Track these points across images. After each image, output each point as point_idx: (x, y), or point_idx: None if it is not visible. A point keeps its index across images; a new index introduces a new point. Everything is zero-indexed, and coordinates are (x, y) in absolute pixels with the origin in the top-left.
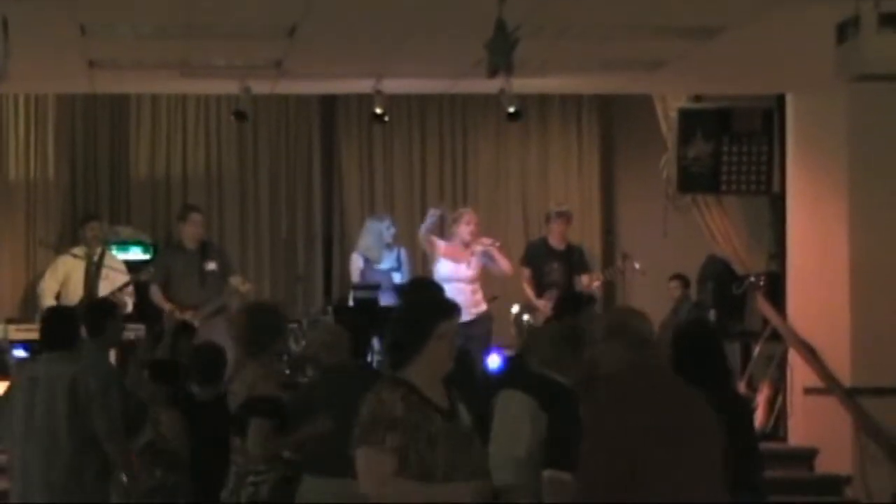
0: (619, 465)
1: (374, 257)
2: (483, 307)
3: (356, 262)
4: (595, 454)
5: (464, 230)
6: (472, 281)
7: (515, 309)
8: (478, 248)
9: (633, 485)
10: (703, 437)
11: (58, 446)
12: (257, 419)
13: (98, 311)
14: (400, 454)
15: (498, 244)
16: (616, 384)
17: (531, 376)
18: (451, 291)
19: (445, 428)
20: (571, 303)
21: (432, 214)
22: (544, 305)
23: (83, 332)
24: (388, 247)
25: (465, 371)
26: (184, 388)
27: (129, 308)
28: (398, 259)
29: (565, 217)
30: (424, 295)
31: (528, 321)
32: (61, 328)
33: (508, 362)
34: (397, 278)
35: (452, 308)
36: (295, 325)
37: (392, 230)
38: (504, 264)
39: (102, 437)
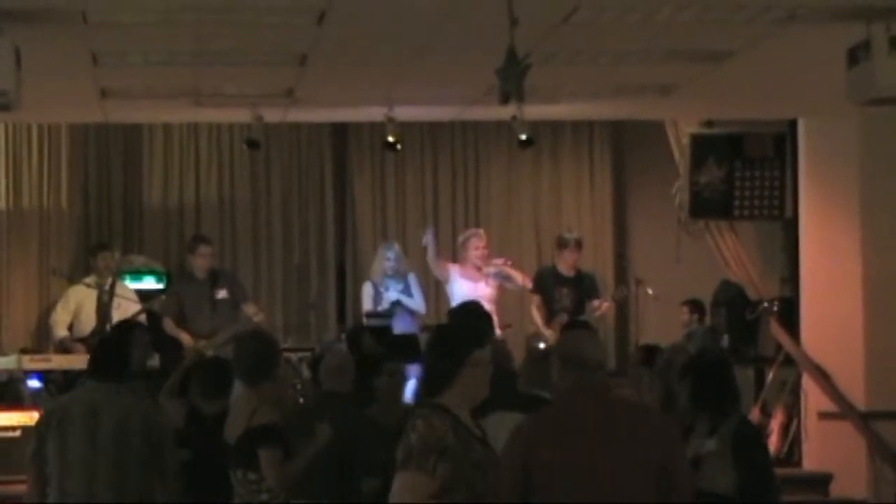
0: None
1: (379, 283)
2: (499, 332)
3: (367, 291)
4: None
5: (473, 255)
6: (492, 300)
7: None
8: (491, 269)
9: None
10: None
11: (128, 481)
12: (268, 449)
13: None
14: (443, 482)
15: (510, 262)
16: (562, 411)
17: (517, 395)
18: None
19: (485, 455)
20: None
21: (427, 235)
22: (552, 335)
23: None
24: (394, 274)
25: None
26: (189, 402)
27: None
28: (406, 285)
29: (573, 246)
30: (460, 322)
31: (542, 348)
32: (113, 358)
33: (494, 385)
34: (411, 304)
35: (486, 336)
36: (308, 353)
37: (393, 257)
38: (520, 279)
39: (166, 477)
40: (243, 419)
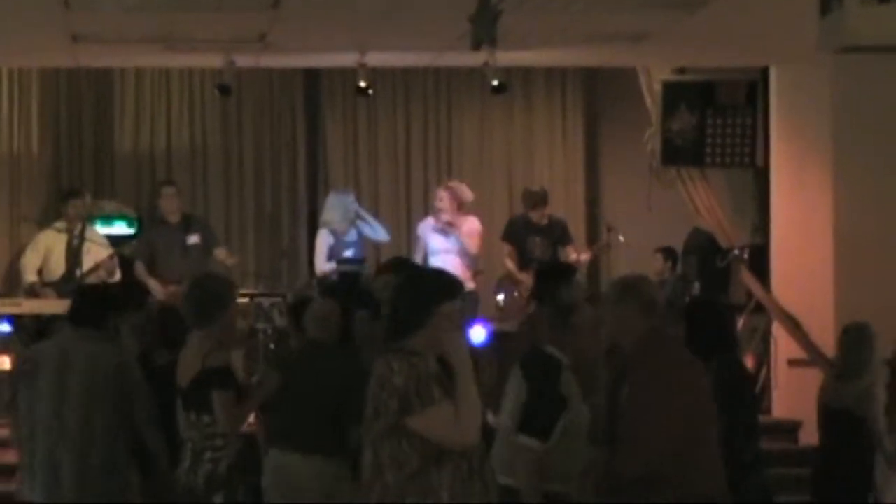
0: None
1: (342, 230)
2: (471, 285)
3: (325, 238)
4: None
5: (437, 208)
6: (461, 253)
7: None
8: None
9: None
10: (710, 409)
11: (92, 430)
12: (220, 392)
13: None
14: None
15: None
16: (641, 357)
17: (528, 350)
18: (441, 264)
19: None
20: (551, 276)
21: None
22: (527, 278)
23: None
24: (353, 221)
25: None
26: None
27: (118, 276)
28: (358, 231)
29: (543, 198)
30: (434, 271)
31: (509, 297)
32: (96, 307)
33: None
34: (375, 235)
35: (458, 288)
36: (279, 300)
37: (355, 204)
38: (471, 245)
39: (142, 426)
40: (197, 362)
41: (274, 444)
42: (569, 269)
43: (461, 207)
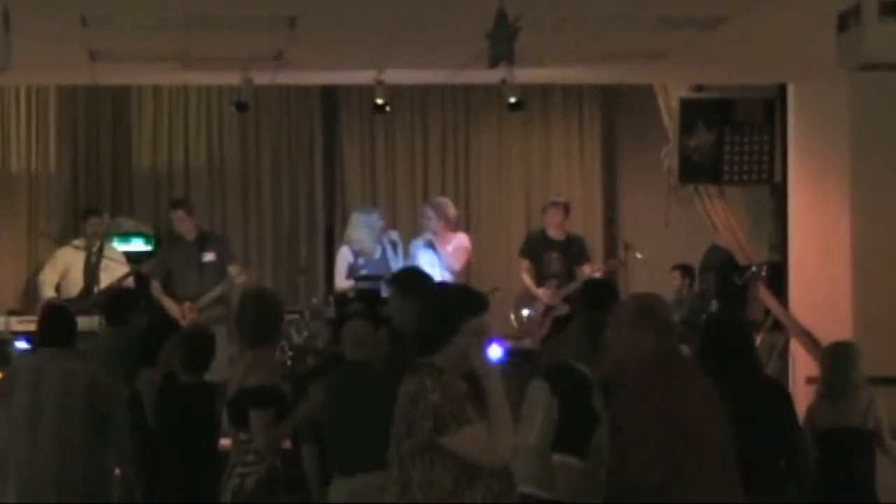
0: (660, 458)
1: (368, 250)
2: None
3: (345, 257)
4: (636, 445)
5: (426, 229)
6: (453, 270)
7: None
8: (448, 247)
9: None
10: (721, 429)
11: (71, 445)
12: (256, 410)
13: (122, 300)
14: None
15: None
16: (648, 375)
17: (553, 365)
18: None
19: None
20: (602, 293)
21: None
22: (545, 294)
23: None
24: (378, 239)
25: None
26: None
27: None
28: (383, 250)
29: (559, 207)
30: (459, 287)
31: (528, 314)
32: (61, 325)
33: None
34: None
35: (484, 304)
36: (297, 317)
37: (381, 223)
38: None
39: (116, 438)
40: (238, 380)
41: (342, 471)
42: (615, 290)
43: (448, 224)
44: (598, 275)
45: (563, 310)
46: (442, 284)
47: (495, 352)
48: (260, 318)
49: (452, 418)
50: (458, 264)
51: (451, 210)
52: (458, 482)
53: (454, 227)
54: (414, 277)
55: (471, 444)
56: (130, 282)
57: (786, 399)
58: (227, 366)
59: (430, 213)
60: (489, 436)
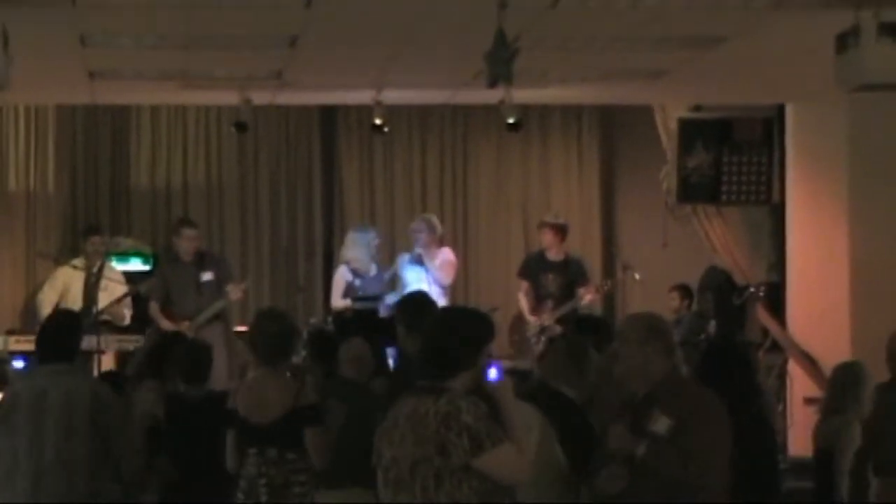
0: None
1: (364, 268)
2: None
3: (343, 276)
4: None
5: (415, 245)
6: (439, 285)
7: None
8: (436, 262)
9: None
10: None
11: (77, 464)
12: (313, 428)
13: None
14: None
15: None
16: (672, 397)
17: (535, 387)
18: None
19: None
20: (589, 328)
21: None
22: (535, 320)
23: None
24: (374, 258)
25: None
26: (171, 387)
27: (128, 320)
28: (378, 267)
29: (549, 227)
30: (473, 312)
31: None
32: (64, 337)
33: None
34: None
35: (494, 328)
36: None
37: (377, 241)
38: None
39: (121, 456)
40: (288, 398)
41: (328, 484)
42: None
43: (436, 239)
44: (590, 296)
45: (557, 330)
46: (453, 309)
47: (492, 372)
48: (279, 336)
49: (488, 438)
50: (446, 279)
51: (439, 226)
52: (483, 502)
53: (439, 242)
54: (423, 306)
55: (504, 464)
56: (128, 302)
57: (766, 438)
58: (225, 379)
59: (422, 227)
60: (517, 455)
